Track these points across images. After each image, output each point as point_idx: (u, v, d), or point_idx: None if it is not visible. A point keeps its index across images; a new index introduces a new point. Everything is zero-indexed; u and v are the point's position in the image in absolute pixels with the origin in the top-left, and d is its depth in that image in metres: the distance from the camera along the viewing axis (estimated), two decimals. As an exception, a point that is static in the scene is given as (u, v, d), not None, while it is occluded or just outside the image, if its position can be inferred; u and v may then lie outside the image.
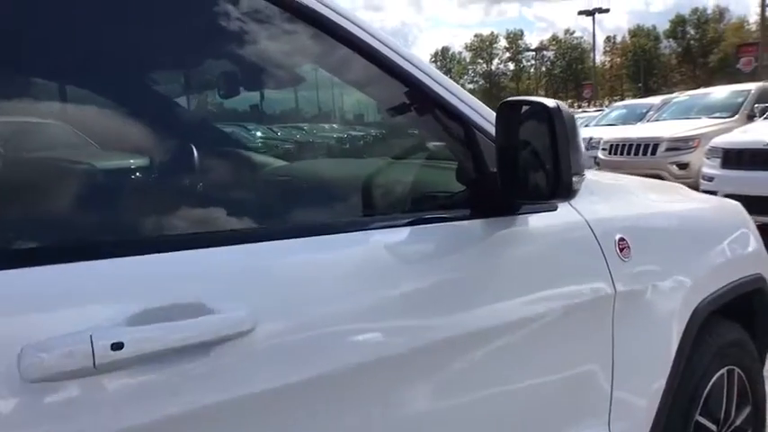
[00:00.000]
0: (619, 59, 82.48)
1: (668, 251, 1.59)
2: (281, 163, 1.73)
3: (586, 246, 1.37)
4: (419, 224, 1.16)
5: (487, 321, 1.16)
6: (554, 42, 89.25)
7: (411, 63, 1.20)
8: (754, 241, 2.01)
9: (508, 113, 1.15)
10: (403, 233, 1.14)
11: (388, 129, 1.58)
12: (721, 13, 76.06)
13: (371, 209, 1.28)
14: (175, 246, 0.86)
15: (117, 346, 0.70)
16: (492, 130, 1.27)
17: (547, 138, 1.06)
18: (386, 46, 1.17)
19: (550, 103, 1.08)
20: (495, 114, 1.27)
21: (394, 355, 1.00)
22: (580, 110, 28.59)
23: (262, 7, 1.12)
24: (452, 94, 1.25)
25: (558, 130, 1.05)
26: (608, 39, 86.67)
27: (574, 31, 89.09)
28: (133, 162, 1.20)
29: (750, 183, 5.91)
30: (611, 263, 1.39)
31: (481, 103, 1.30)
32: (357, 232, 1.09)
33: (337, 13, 1.12)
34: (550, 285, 1.29)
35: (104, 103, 1.22)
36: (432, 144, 1.41)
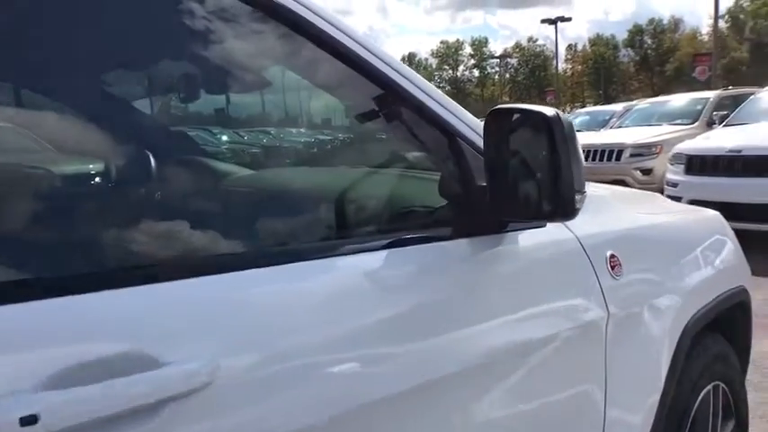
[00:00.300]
0: (580, 67, 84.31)
1: (658, 267, 1.52)
2: (245, 172, 1.59)
3: (578, 265, 1.28)
4: (398, 246, 1.04)
5: (475, 352, 1.05)
6: (517, 50, 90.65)
7: (389, 65, 1.09)
8: (736, 252, 1.97)
9: (498, 122, 1.05)
10: (380, 258, 1.01)
11: (363, 136, 1.45)
12: (676, 23, 78.63)
13: (345, 228, 1.16)
14: (109, 282, 0.69)
15: (28, 420, 0.54)
16: (478, 140, 1.17)
17: (545, 150, 0.96)
18: (362, 46, 1.06)
19: (549, 111, 0.97)
20: (481, 123, 1.18)
21: (377, 399, 0.88)
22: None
23: (227, 4, 1.00)
24: (434, 99, 1.14)
25: (559, 141, 0.95)
26: (569, 47, 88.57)
27: (537, 39, 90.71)
28: (53, 170, 1.00)
29: (713, 189, 6.01)
30: (603, 282, 1.30)
31: (466, 111, 1.20)
32: (330, 258, 0.96)
33: (310, 10, 1.00)
34: (543, 312, 1.19)
35: (43, 104, 1.08)
36: (411, 154, 1.29)
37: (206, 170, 1.43)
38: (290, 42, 1.06)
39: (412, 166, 1.31)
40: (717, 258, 1.79)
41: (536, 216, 1.04)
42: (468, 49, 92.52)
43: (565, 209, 0.97)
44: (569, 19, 44.64)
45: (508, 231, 1.17)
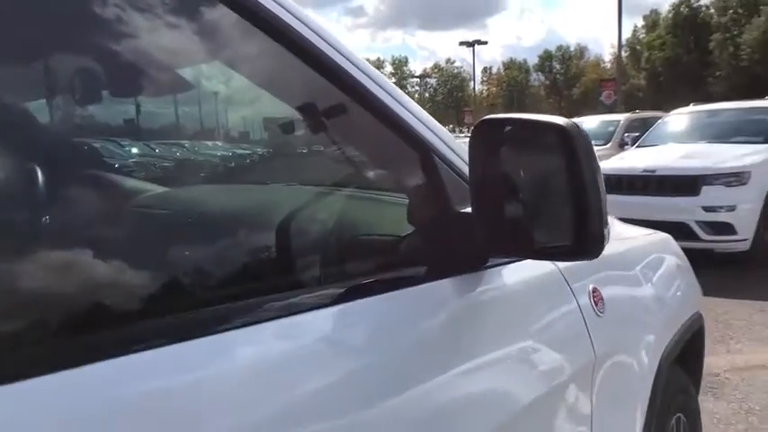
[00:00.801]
0: (494, 89, 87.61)
1: (634, 299, 1.39)
2: (146, 196, 1.31)
3: (564, 302, 1.11)
4: (352, 298, 0.79)
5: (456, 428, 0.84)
6: (436, 70, 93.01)
7: (347, 59, 0.87)
8: (690, 276, 1.90)
9: (487, 136, 0.86)
10: (327, 317, 0.76)
11: (311, 150, 1.22)
12: (582, 51, 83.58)
13: (280, 274, 0.91)
14: None
15: None
16: (455, 158, 0.98)
17: (563, 172, 0.77)
18: (311, 29, 0.83)
19: (564, 122, 0.78)
20: (454, 139, 0.99)
21: None
22: (462, 134, 29.75)
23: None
24: (403, 105, 0.94)
25: (583, 161, 0.76)
26: (485, 69, 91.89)
27: (454, 61, 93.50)
28: None
29: (629, 207, 6.20)
30: (588, 321, 1.14)
31: (442, 126, 1.01)
32: (265, 323, 0.69)
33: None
34: (531, 364, 1.01)
35: None
36: (373, 172, 1.08)
37: (110, 190, 1.14)
38: (225, 28, 0.82)
39: (373, 187, 1.10)
40: (680, 285, 1.70)
41: (552, 254, 0.85)
42: (388, 68, 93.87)
43: (593, 246, 0.77)
44: (485, 42, 46.51)
45: (489, 267, 0.98)
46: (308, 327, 0.72)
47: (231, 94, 1.22)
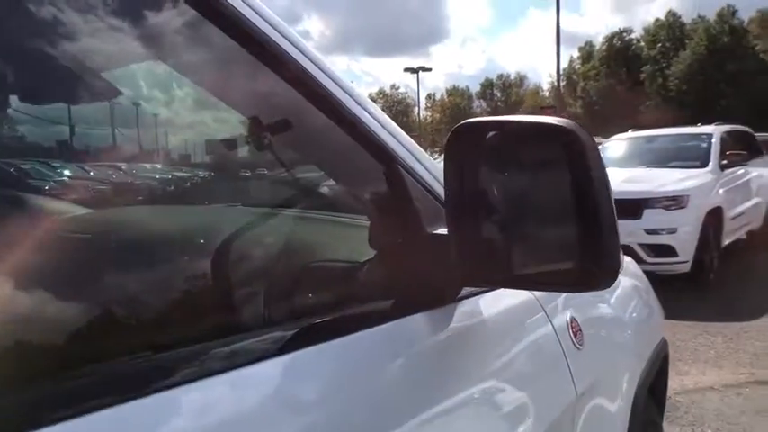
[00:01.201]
0: (438, 115, 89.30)
1: (611, 328, 1.29)
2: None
3: (544, 335, 0.99)
4: (311, 341, 0.64)
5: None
6: (381, 96, 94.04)
7: (306, 57, 0.74)
8: (655, 300, 1.83)
9: (465, 143, 0.73)
10: (282, 366, 0.61)
11: (255, 164, 1.06)
12: (521, 79, 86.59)
13: (224, 313, 0.76)
14: None
15: None
16: (425, 171, 0.85)
17: (567, 183, 0.63)
18: (261, 19, 0.70)
19: (568, 123, 0.65)
20: (423, 152, 0.87)
21: None
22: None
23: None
24: (365, 110, 0.80)
25: (593, 169, 0.62)
26: (429, 96, 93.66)
27: (399, 87, 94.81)
28: None
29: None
30: (568, 355, 1.03)
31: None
32: (196, 383, 0.53)
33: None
34: (510, 406, 0.87)
35: None
36: (328, 187, 0.94)
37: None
38: (169, 32, 0.67)
39: (328, 206, 0.95)
40: (648, 311, 1.62)
41: (546, 283, 0.72)
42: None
43: (607, 272, 0.64)
44: (429, 69, 47.30)
45: (464, 297, 0.85)
46: (253, 383, 0.56)
47: (169, 99, 1.05)
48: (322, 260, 0.92)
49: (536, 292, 1.00)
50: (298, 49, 0.72)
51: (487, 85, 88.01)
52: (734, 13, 38.66)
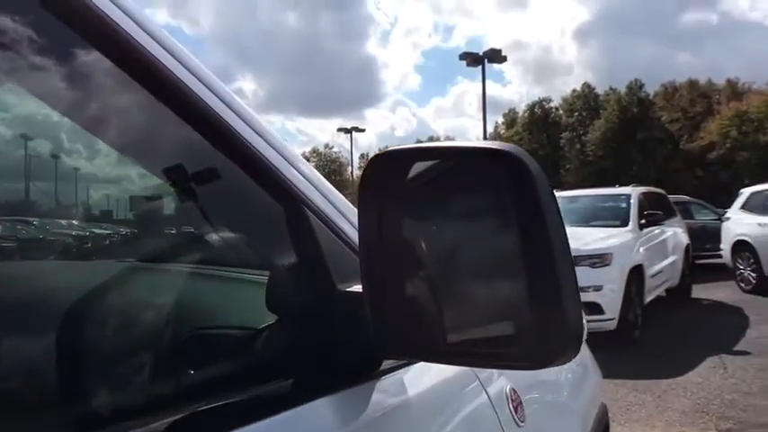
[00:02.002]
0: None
1: (553, 401, 1.15)
2: None
3: (481, 413, 0.84)
4: None
5: None
6: (315, 154, 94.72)
7: (198, 78, 0.58)
8: (594, 362, 1.72)
9: (385, 180, 0.58)
10: None
11: (130, 206, 0.86)
12: (450, 141, 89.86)
13: (73, 399, 0.58)
14: None
15: None
16: (338, 215, 0.69)
17: (512, 227, 0.48)
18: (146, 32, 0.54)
19: (513, 149, 0.50)
20: (336, 191, 0.72)
21: None
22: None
23: None
24: (267, 142, 0.65)
25: (546, 210, 0.48)
26: (362, 155, 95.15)
27: (333, 147, 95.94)
28: None
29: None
30: (509, 434, 0.87)
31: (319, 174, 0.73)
32: None
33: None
34: None
35: None
36: (216, 236, 0.75)
37: None
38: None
39: (219, 259, 0.77)
40: (589, 374, 1.50)
41: (484, 358, 0.56)
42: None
43: (567, 343, 0.48)
44: (363, 130, 48.11)
45: (385, 373, 0.68)
46: None
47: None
48: (206, 327, 0.73)
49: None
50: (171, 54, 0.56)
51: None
52: (641, 86, 42.03)
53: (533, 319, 0.47)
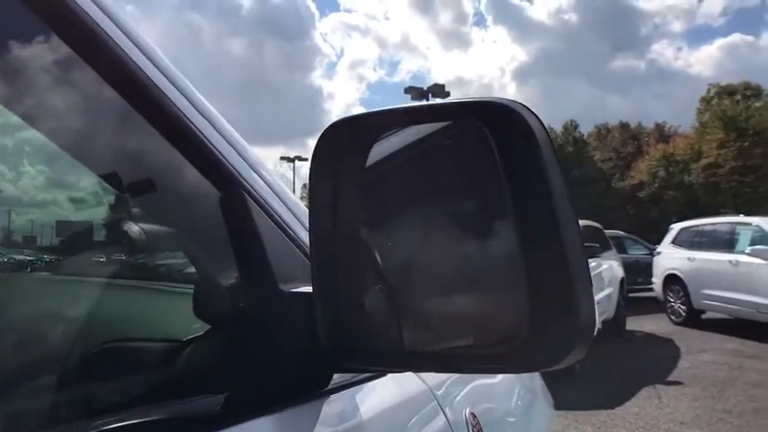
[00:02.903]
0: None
1: (510, 423, 1.06)
2: None
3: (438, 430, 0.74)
4: None
5: None
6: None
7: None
8: (546, 390, 1.65)
9: (342, 153, 0.49)
10: None
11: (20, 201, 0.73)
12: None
13: None
14: None
15: None
16: (280, 204, 0.60)
17: (510, 213, 0.39)
18: None
19: (510, 103, 0.40)
20: (279, 179, 0.63)
21: None
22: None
23: None
24: (202, 114, 0.55)
25: (555, 186, 0.38)
26: (304, 185, 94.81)
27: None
28: None
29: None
30: (470, 464, 0.78)
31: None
32: None
33: None
34: None
35: None
36: (136, 229, 0.63)
37: None
38: None
39: (133, 264, 0.65)
40: (543, 401, 1.43)
41: (471, 361, 0.46)
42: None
43: (581, 341, 0.38)
44: (306, 159, 48.01)
45: (335, 390, 0.58)
46: None
47: None
48: (122, 339, 0.61)
49: (427, 380, 0.76)
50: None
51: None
52: (576, 126, 44.01)
53: (533, 309, 0.38)
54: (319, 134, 0.49)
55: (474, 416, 0.86)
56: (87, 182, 0.64)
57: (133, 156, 0.53)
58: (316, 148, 0.48)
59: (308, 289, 0.55)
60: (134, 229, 0.55)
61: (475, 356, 0.42)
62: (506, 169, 0.38)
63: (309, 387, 0.55)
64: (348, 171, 0.48)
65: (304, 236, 0.59)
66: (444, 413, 0.78)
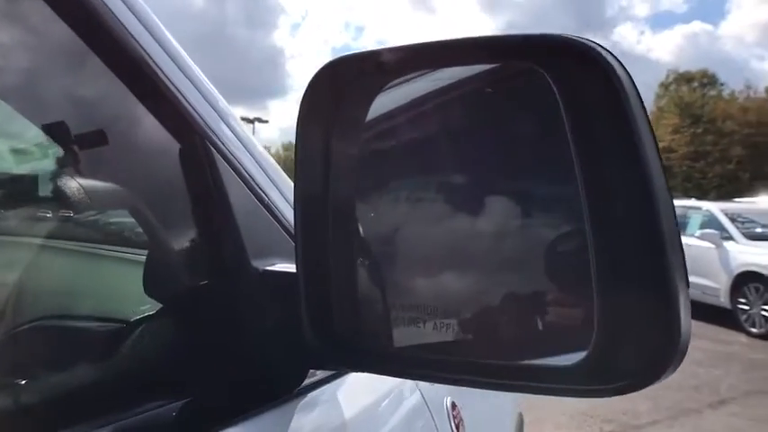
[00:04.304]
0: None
1: (491, 415, 1.01)
2: None
3: (422, 427, 0.66)
4: None
5: None
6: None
7: None
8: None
9: (342, 109, 0.39)
10: None
11: None
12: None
13: None
14: None
15: None
16: (253, 164, 0.50)
17: (581, 189, 0.28)
18: None
19: (585, 42, 0.29)
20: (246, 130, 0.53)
21: None
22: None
23: None
24: (169, 56, 0.44)
25: (651, 159, 0.27)
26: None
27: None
28: None
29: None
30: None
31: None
32: None
33: None
34: None
35: None
36: (81, 185, 0.52)
37: None
38: None
39: (67, 228, 0.54)
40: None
41: (540, 379, 0.34)
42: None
43: (677, 355, 0.28)
44: (266, 121, 46.99)
45: (310, 388, 0.49)
46: None
47: None
48: (60, 315, 0.51)
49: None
50: None
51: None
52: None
53: (606, 310, 0.28)
54: (303, 88, 0.38)
55: (454, 405, 0.79)
56: (31, 132, 0.52)
57: (83, 100, 0.42)
58: (307, 92, 0.38)
59: (287, 267, 0.46)
60: (77, 185, 0.44)
61: (515, 371, 0.33)
62: (578, 131, 0.29)
63: (283, 385, 0.46)
64: (347, 125, 0.38)
65: (282, 205, 0.50)
66: (427, 404, 0.70)
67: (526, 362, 0.31)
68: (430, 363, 0.38)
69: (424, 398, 0.69)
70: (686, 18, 58.57)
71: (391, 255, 0.40)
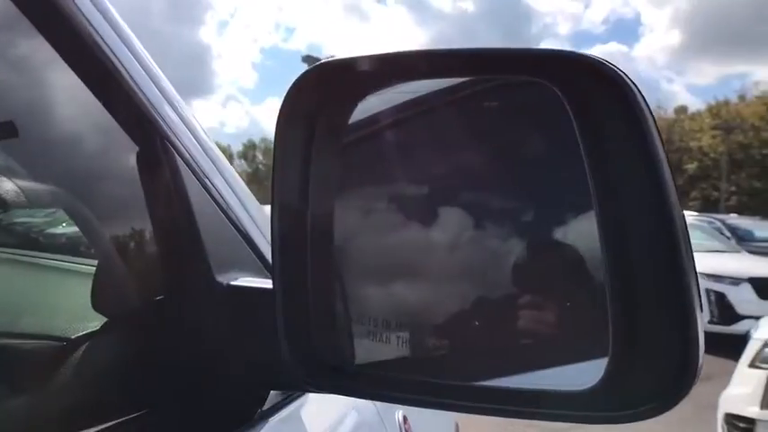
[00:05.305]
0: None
1: (435, 425, 1.00)
2: None
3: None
4: None
5: None
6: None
7: None
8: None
9: (325, 117, 0.36)
10: None
11: None
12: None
13: None
14: None
15: None
16: (214, 172, 0.46)
17: (592, 189, 0.28)
18: None
19: (606, 64, 0.28)
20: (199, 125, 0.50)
21: None
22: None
23: None
24: (127, 49, 0.40)
25: (670, 196, 0.27)
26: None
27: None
28: None
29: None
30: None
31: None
32: None
33: None
34: None
35: None
36: (19, 188, 0.46)
37: None
38: None
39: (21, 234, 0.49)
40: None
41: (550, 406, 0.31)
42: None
43: (687, 380, 0.28)
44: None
45: (277, 409, 0.47)
46: None
47: None
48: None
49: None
50: None
51: (250, 147, 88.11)
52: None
53: (620, 334, 0.27)
54: (285, 91, 0.36)
55: (405, 419, 0.78)
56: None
57: (30, 96, 0.37)
58: (288, 95, 0.35)
59: (254, 283, 0.43)
60: (15, 188, 0.39)
61: (519, 395, 0.31)
62: (592, 151, 0.28)
63: (244, 409, 0.42)
64: (329, 131, 0.36)
65: (245, 219, 0.47)
66: (382, 419, 0.69)
67: (536, 387, 0.30)
68: (429, 388, 0.35)
69: (379, 413, 0.68)
70: (604, 39, 62.00)
71: (374, 269, 0.38)
